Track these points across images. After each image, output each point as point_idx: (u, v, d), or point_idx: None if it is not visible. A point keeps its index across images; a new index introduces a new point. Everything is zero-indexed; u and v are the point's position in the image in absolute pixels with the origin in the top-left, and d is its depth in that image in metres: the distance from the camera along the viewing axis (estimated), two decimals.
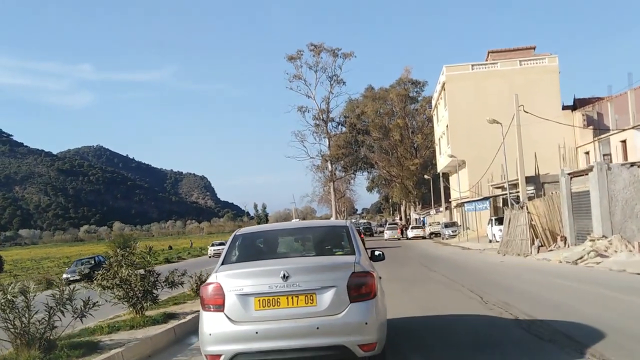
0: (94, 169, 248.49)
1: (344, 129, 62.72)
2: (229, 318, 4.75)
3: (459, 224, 45.27)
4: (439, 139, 51.01)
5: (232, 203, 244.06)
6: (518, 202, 23.86)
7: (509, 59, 43.54)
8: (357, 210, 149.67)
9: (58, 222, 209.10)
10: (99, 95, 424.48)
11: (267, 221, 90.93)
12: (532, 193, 26.92)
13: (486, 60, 45.10)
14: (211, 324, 4.81)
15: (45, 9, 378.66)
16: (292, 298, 4.73)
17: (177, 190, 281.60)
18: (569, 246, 18.81)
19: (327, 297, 4.73)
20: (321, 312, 4.70)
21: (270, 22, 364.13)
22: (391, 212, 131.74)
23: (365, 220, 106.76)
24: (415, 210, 67.96)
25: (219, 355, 4.76)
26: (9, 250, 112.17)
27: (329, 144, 57.13)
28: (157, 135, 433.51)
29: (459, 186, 42.23)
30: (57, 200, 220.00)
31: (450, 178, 52.68)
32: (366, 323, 4.71)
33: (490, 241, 30.07)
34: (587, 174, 17.80)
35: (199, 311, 5.22)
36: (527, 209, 20.38)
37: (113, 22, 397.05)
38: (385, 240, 51.23)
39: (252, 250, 5.84)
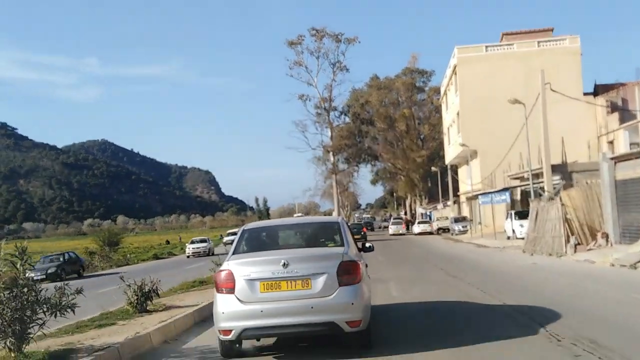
0: (98, 162, 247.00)
1: (347, 119, 59.18)
2: (238, 299, 5.73)
3: (469, 218, 42.16)
4: (448, 128, 47.69)
5: (237, 198, 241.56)
6: (548, 193, 20.60)
7: (525, 40, 40.09)
8: (360, 205, 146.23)
9: (62, 215, 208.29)
10: (104, 89, 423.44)
11: (268, 215, 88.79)
12: (557, 183, 23.63)
13: (500, 42, 41.67)
14: (224, 304, 5.81)
15: (50, 2, 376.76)
16: (291, 282, 5.72)
17: (181, 185, 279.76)
18: (611, 245, 15.62)
19: (320, 281, 5.72)
20: (315, 294, 5.70)
21: (273, 12, 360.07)
22: (396, 206, 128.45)
23: (368, 215, 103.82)
24: (421, 205, 64.65)
25: (230, 330, 5.77)
26: (6, 244, 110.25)
27: (331, 135, 53.36)
28: (162, 129, 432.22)
29: (471, 178, 38.96)
30: (61, 194, 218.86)
31: (459, 170, 49.39)
32: (352, 303, 5.72)
33: (509, 237, 26.85)
34: (637, 158, 14.51)
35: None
36: (560, 200, 17.09)
37: (118, 16, 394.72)
38: (390, 235, 48.11)
39: (257, 242, 6.76)
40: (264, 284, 5.70)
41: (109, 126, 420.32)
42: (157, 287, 9.32)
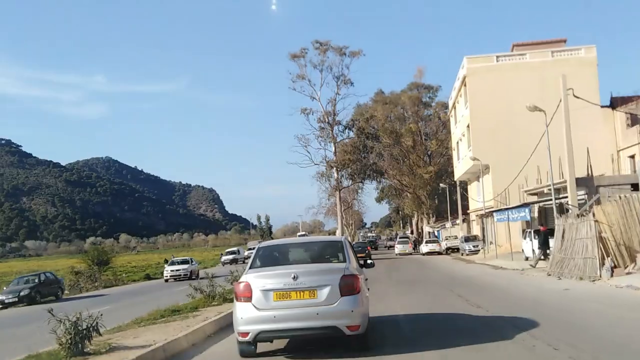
0: (101, 180, 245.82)
1: (351, 133, 57.12)
2: (255, 306, 6.69)
3: (480, 237, 39.88)
4: (457, 143, 45.63)
5: (240, 216, 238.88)
6: (574, 208, 18.39)
7: (538, 50, 38.20)
8: (365, 224, 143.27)
9: (64, 233, 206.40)
10: (110, 107, 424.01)
11: (270, 233, 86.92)
12: (582, 198, 21.44)
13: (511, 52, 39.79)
14: (242, 310, 6.76)
15: (54, 18, 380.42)
16: (300, 292, 6.65)
17: (185, 203, 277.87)
18: None
19: (324, 292, 6.65)
20: (320, 303, 6.62)
21: (278, 28, 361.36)
22: (402, 225, 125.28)
23: (373, 234, 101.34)
24: (428, 223, 62.41)
25: (248, 333, 6.75)
26: (5, 262, 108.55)
27: (335, 150, 51.59)
28: (165, 147, 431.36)
29: (483, 194, 36.75)
30: (64, 212, 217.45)
31: (469, 187, 47.20)
32: (352, 311, 6.65)
33: (527, 258, 24.55)
34: None
35: None
36: (593, 216, 14.87)
37: (126, 33, 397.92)
38: (397, 255, 45.78)
39: (271, 258, 7.77)
40: (276, 294, 6.64)
41: (113, 144, 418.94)
42: (97, 323, 7.18)
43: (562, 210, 21.91)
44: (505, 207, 28.34)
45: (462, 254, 38.60)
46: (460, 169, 45.16)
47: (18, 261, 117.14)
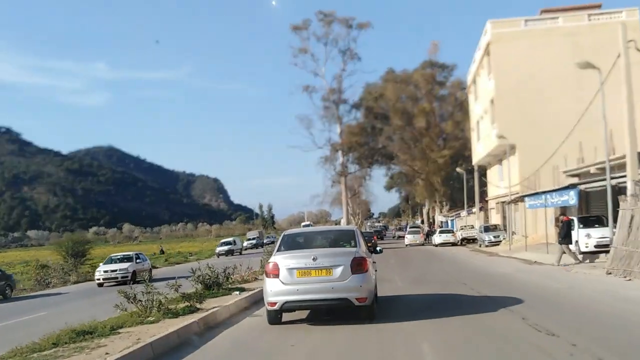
0: (103, 169, 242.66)
1: (358, 114, 52.36)
2: (282, 282, 8.31)
3: (500, 227, 35.71)
4: (478, 122, 41.12)
5: (245, 206, 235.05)
6: None
7: (573, 14, 33.58)
8: (373, 214, 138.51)
9: (66, 223, 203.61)
10: (112, 95, 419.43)
11: (273, 223, 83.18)
12: None
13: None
14: (271, 285, 8.37)
15: (56, 6, 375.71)
16: (318, 271, 8.24)
17: (189, 192, 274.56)
18: None
19: (338, 270, 8.21)
20: (335, 279, 8.18)
21: (283, 12, 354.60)
22: (411, 215, 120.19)
23: (380, 224, 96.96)
24: (441, 212, 57.84)
25: (276, 303, 8.33)
26: (5, 253, 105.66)
27: (341, 131, 47.09)
28: (169, 136, 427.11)
29: (509, 178, 32.38)
30: (66, 201, 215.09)
31: (489, 172, 42.78)
32: (360, 286, 8.21)
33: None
34: None
35: None
36: None
37: (128, 20, 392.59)
38: (406, 246, 41.60)
39: (294, 243, 9.48)
40: (299, 272, 8.29)
41: (116, 132, 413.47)
42: None
43: (619, 193, 17.63)
44: (542, 190, 23.83)
45: (480, 245, 34.47)
46: (480, 152, 40.69)
47: (15, 251, 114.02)
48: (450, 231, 42.84)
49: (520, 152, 31.92)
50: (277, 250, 8.92)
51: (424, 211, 70.58)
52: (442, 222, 56.12)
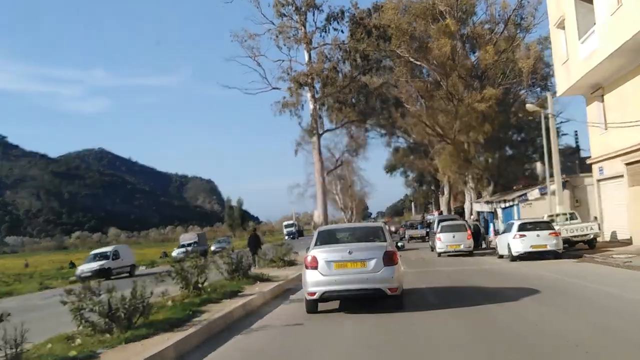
0: (91, 172, 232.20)
1: (341, 34, 32.33)
2: (320, 273, 9.48)
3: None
4: (561, 22, 23.87)
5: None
6: None
7: None
8: (370, 213, 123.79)
9: (49, 228, 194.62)
10: (107, 99, 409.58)
11: (242, 222, 71.23)
12: None
13: None
14: (311, 276, 9.58)
15: (51, 13, 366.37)
16: (354, 263, 9.41)
17: (182, 195, 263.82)
18: None
19: (372, 263, 9.38)
20: (369, 271, 9.36)
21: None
22: (415, 210, 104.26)
23: (383, 220, 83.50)
24: (479, 197, 39.10)
25: (315, 293, 9.54)
26: None
27: (309, 57, 29.40)
28: (162, 138, 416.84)
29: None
30: (50, 205, 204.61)
31: (588, 108, 24.95)
32: (392, 277, 9.40)
33: None
34: None
35: None
36: None
37: (121, 26, 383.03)
38: (439, 255, 24.75)
39: (330, 238, 10.71)
40: (336, 264, 9.45)
41: (108, 136, 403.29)
42: None
43: None
44: None
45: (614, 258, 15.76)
46: (562, 78, 24.43)
47: None
48: (547, 226, 19.82)
49: None
50: (315, 245, 10.15)
51: (442, 199, 52.00)
52: (479, 212, 37.96)
